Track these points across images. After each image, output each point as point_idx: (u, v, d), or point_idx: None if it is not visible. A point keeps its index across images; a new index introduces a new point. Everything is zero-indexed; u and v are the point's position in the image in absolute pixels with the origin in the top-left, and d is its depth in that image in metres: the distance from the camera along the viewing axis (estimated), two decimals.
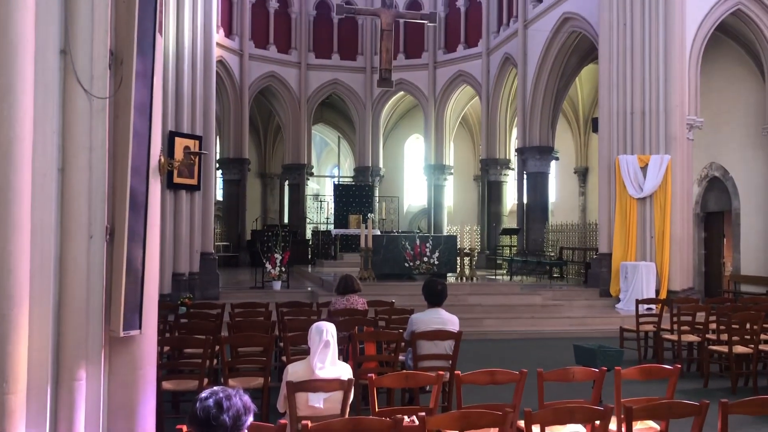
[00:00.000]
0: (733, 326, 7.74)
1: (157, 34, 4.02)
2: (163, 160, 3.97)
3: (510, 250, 19.72)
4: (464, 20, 22.47)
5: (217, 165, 20.89)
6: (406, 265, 13.84)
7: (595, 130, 15.22)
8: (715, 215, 16.08)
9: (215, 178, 17.71)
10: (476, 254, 15.43)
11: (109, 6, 3.85)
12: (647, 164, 13.16)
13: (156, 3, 4.00)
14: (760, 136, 14.38)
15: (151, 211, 3.95)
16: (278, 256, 13.39)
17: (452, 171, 24.34)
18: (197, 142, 11.76)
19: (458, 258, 14.51)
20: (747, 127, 14.97)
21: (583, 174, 23.35)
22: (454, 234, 17.08)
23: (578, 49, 17.37)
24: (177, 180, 11.63)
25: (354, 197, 21.68)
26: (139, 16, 3.89)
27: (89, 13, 3.75)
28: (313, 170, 25.30)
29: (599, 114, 14.19)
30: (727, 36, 14.89)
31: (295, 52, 22.90)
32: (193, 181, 11.98)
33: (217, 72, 15.41)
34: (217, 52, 15.49)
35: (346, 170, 29.46)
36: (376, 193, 23.70)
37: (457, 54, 22.63)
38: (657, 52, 13.11)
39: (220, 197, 22.48)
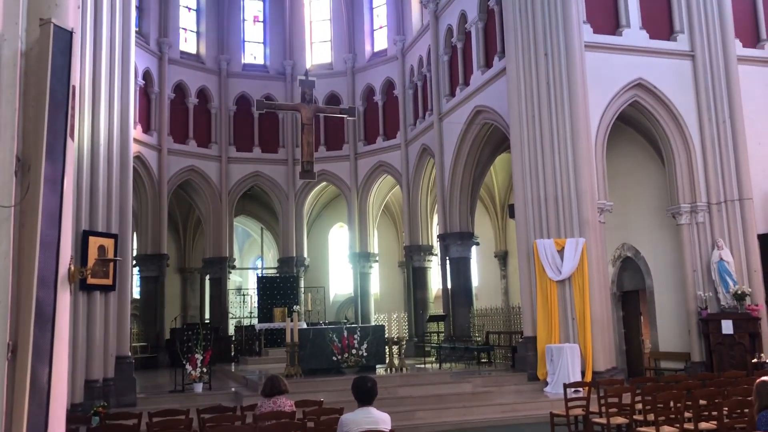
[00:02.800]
0: (658, 406, 7.87)
1: (69, 139, 3.90)
2: (73, 268, 3.77)
3: (438, 336, 19.68)
4: (382, 114, 23.22)
5: (134, 262, 20.18)
6: (334, 358, 13.53)
7: (512, 215, 15.70)
8: (631, 294, 16.67)
9: (132, 275, 17.05)
10: (404, 342, 15.29)
11: (17, 110, 3.72)
12: (564, 247, 13.59)
13: (68, 107, 3.91)
14: (666, 217, 15.20)
15: (60, 323, 3.70)
16: (199, 356, 12.81)
17: (377, 258, 24.42)
18: (113, 240, 11.35)
19: (387, 348, 14.32)
20: (653, 208, 15.83)
21: (503, 258, 23.88)
22: (382, 323, 16.94)
23: (491, 139, 18.14)
24: (90, 281, 11.10)
25: (278, 289, 21.30)
26: (50, 120, 3.78)
27: None
28: (236, 263, 24.80)
29: (515, 200, 14.69)
30: (628, 125, 15.94)
31: (216, 146, 22.89)
32: (108, 281, 11.45)
33: (134, 167, 15.12)
34: (134, 148, 15.27)
35: (269, 261, 29.06)
36: (302, 284, 23.39)
37: (376, 145, 23.21)
38: (565, 140, 13.83)
39: (137, 295, 21.59)
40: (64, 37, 3.89)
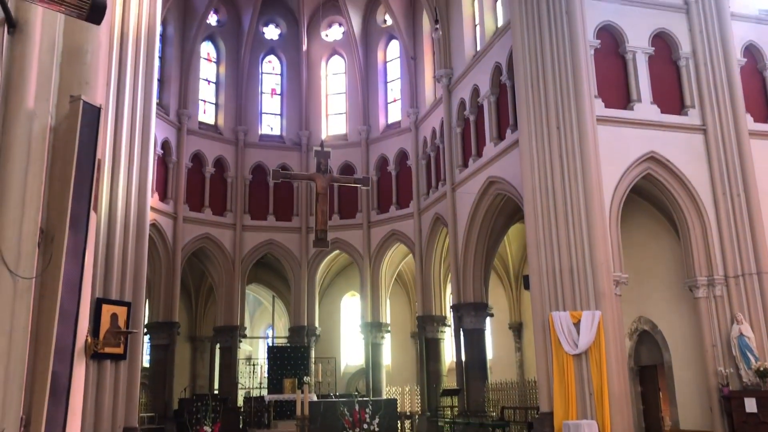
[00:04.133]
0: None
1: (92, 211, 3.95)
2: (89, 341, 3.75)
3: (451, 411, 19.19)
4: (395, 183, 23.43)
5: (145, 330, 20.07)
6: None
7: (527, 287, 15.53)
8: (649, 369, 16.28)
9: (143, 344, 16.93)
10: (417, 417, 14.93)
11: (43, 184, 3.79)
12: (580, 320, 13.38)
13: (92, 180, 3.98)
14: (682, 290, 14.99)
15: (74, 396, 3.66)
16: (208, 429, 12.54)
17: (389, 328, 24.12)
18: (126, 308, 11.33)
19: (399, 422, 13.98)
20: (669, 281, 15.64)
21: (517, 329, 23.53)
22: (394, 397, 16.56)
23: (505, 209, 18.18)
24: (102, 350, 11.02)
25: (289, 359, 21.03)
26: (75, 193, 3.84)
27: (21, 191, 3.68)
28: (246, 332, 24.58)
29: (530, 272, 14.57)
30: (642, 197, 15.95)
31: (231, 214, 23.09)
32: (119, 350, 11.39)
33: (149, 235, 15.23)
34: (150, 216, 15.43)
35: (280, 330, 28.79)
36: (312, 354, 23.07)
37: (389, 214, 23.32)
38: (579, 212, 13.81)
39: (146, 363, 21.35)
40: (93, 113, 4.01)
